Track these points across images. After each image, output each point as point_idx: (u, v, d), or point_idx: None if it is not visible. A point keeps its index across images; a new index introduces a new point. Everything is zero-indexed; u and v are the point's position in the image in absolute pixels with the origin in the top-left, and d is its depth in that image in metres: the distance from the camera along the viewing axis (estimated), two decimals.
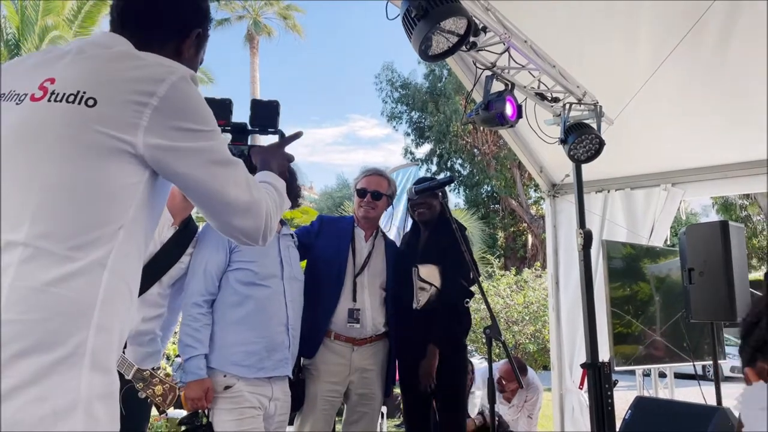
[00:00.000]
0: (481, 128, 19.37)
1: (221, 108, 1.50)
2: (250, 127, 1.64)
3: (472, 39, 2.42)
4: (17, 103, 1.09)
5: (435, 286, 2.95)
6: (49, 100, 1.07)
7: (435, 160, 21.54)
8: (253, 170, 1.42)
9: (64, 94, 1.07)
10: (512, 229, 21.73)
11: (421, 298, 2.89)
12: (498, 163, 19.87)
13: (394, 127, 22.32)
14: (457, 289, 2.99)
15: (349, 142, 62.95)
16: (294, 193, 2.48)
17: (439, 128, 20.35)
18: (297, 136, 1.62)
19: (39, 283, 0.99)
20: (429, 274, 2.94)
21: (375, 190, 3.03)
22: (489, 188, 21.32)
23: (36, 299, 0.98)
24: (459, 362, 3.10)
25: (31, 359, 0.95)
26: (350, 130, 63.31)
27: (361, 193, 3.04)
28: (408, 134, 22.12)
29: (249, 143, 1.62)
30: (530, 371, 5.05)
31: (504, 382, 4.57)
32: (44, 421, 0.95)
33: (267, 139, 1.65)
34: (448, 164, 21.63)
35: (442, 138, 20.61)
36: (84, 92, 1.07)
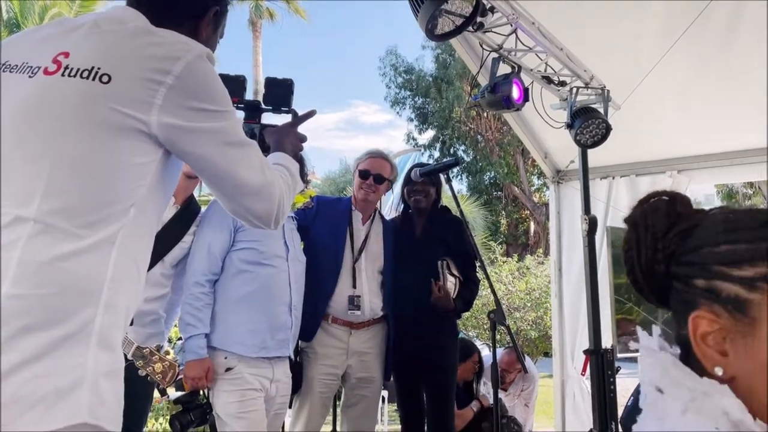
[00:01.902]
0: (485, 114, 19.29)
1: (235, 85, 1.48)
2: (263, 106, 1.61)
3: (479, 19, 2.38)
4: (30, 76, 1.07)
5: (460, 279, 2.96)
6: (62, 75, 1.05)
7: (438, 146, 21.45)
8: (265, 150, 1.40)
9: (78, 69, 1.05)
10: (515, 216, 21.70)
11: (450, 291, 2.91)
12: (501, 149, 19.79)
13: (398, 112, 22.22)
14: (476, 282, 3.07)
15: (351, 128, 62.78)
16: (303, 177, 2.46)
17: (442, 114, 20.25)
18: (310, 114, 1.60)
19: (48, 257, 0.97)
20: (453, 267, 2.97)
21: (378, 174, 2.99)
22: (492, 175, 21.25)
23: (44, 274, 0.97)
24: (451, 347, 3.10)
25: (37, 334, 0.94)
26: (352, 115, 63.09)
27: (364, 174, 2.99)
28: (411, 120, 22.02)
29: (261, 122, 1.60)
30: (527, 360, 5.04)
31: (503, 373, 4.56)
32: (47, 398, 0.93)
33: (280, 118, 1.62)
34: (451, 150, 21.55)
35: (445, 124, 20.52)
36: (98, 68, 1.04)
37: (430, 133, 21.79)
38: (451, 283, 2.94)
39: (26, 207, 0.98)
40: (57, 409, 0.94)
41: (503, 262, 11.95)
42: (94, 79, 1.03)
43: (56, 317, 0.96)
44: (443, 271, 2.90)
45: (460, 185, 21.64)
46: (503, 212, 21.78)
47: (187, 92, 1.08)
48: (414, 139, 21.78)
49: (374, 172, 2.98)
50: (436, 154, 21.29)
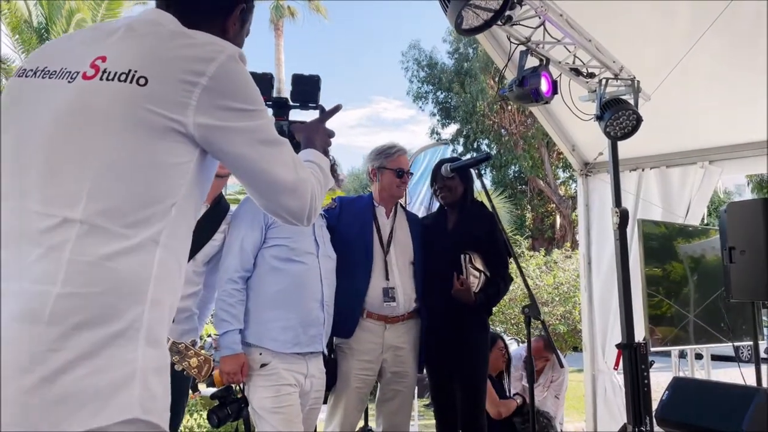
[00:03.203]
0: (509, 107, 19.14)
1: (263, 83, 1.50)
2: (291, 102, 1.63)
3: (507, 13, 2.37)
4: (69, 81, 1.09)
5: (486, 275, 2.96)
6: (101, 79, 1.07)
7: (461, 140, 21.34)
8: (295, 146, 1.41)
9: (116, 72, 1.06)
10: (540, 210, 21.51)
11: (472, 285, 2.92)
12: (525, 143, 19.61)
13: (420, 107, 22.16)
14: (505, 279, 3.07)
15: (372, 124, 62.77)
16: (335, 176, 2.50)
17: (465, 108, 20.13)
18: (337, 109, 1.61)
19: (96, 257, 1.00)
20: (478, 262, 2.98)
21: (409, 170, 3.12)
22: (516, 168, 21.09)
23: (94, 273, 0.99)
24: (481, 342, 3.11)
25: (89, 332, 0.97)
26: (373, 111, 63.02)
27: (400, 173, 3.04)
28: (434, 114, 21.94)
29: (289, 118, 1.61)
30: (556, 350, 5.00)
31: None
32: (102, 393, 0.96)
33: (307, 114, 1.64)
34: (475, 144, 21.43)
35: (468, 118, 20.39)
36: (135, 71, 1.06)
37: (453, 128, 21.70)
38: (474, 277, 2.94)
39: (73, 209, 1.01)
40: (111, 404, 0.96)
41: (530, 257, 11.86)
42: (131, 82, 1.05)
43: (107, 315, 0.99)
44: (465, 265, 2.93)
45: (485, 179, 21.48)
46: (528, 206, 21.60)
47: (221, 93, 1.10)
48: (437, 133, 21.71)
49: (407, 169, 3.10)
50: (460, 148, 21.19)
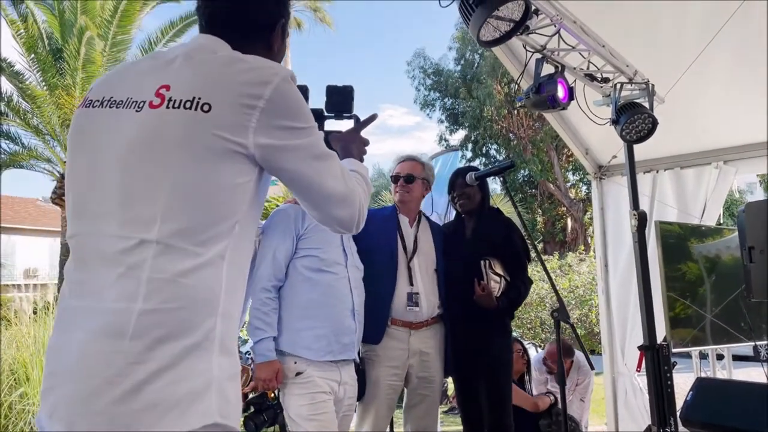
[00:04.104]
0: (516, 112, 19.16)
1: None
2: (326, 113, 1.68)
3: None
4: (137, 111, 1.15)
5: (506, 279, 3.00)
6: (167, 107, 1.13)
7: (470, 146, 21.38)
8: None
9: (181, 100, 1.13)
10: (551, 213, 21.48)
11: (493, 290, 2.95)
12: (534, 147, 19.63)
13: (428, 114, 22.25)
14: (524, 282, 3.09)
15: (380, 132, 62.80)
16: None
17: (473, 114, 20.19)
18: (372, 118, 1.67)
19: (171, 274, 1.07)
20: (498, 267, 3.01)
21: (408, 174, 3.11)
22: (526, 173, 21.09)
23: (171, 289, 1.07)
24: (504, 346, 3.13)
25: (170, 344, 1.04)
26: (380, 119, 62.73)
27: (395, 178, 3.15)
28: (442, 121, 22.01)
29: (325, 128, 1.66)
30: (578, 354, 5.01)
31: (550, 363, 4.55)
32: (183, 401, 1.03)
33: (342, 124, 1.68)
34: (483, 150, 21.47)
35: (476, 123, 20.45)
36: (199, 98, 1.12)
37: (461, 134, 21.76)
38: (495, 282, 2.98)
39: (149, 231, 1.08)
40: (192, 411, 1.03)
41: (544, 261, 11.89)
42: (196, 109, 1.11)
43: (185, 328, 1.06)
44: (486, 271, 2.97)
45: (495, 184, 21.52)
46: (539, 210, 21.59)
47: (277, 113, 1.16)
48: (446, 140, 21.78)
49: (404, 174, 3.12)
50: (468, 154, 21.22)
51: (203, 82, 1.15)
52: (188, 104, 1.12)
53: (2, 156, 12.07)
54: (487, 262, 2.98)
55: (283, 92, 1.17)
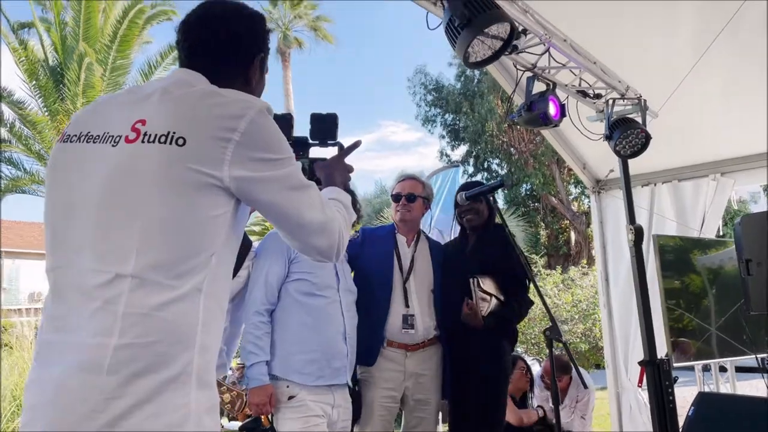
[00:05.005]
0: (517, 126, 19.20)
1: (283, 124, 1.55)
2: (310, 140, 1.69)
3: (512, 42, 2.43)
4: (113, 145, 1.17)
5: (497, 298, 2.96)
6: (143, 142, 1.14)
7: (471, 161, 21.42)
8: (315, 183, 1.47)
9: (156, 134, 1.14)
10: (554, 227, 21.44)
11: (482, 309, 2.89)
12: (536, 160, 19.64)
13: (429, 130, 22.31)
14: (520, 301, 3.03)
15: (381, 148, 62.97)
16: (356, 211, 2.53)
17: (474, 129, 20.25)
18: (356, 145, 1.68)
19: (147, 308, 1.07)
20: (488, 285, 2.96)
21: (409, 193, 3.11)
22: (528, 186, 21.09)
23: (147, 324, 1.07)
24: (497, 367, 3.04)
25: (146, 379, 1.04)
26: (382, 135, 63.25)
27: (396, 197, 3.15)
28: (443, 137, 22.07)
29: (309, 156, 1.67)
30: (581, 371, 4.96)
31: (546, 380, 4.52)
32: None
33: (327, 151, 1.70)
34: (485, 164, 21.50)
35: (477, 139, 20.50)
36: (174, 132, 1.13)
37: (462, 149, 21.80)
38: (483, 301, 2.92)
39: (124, 265, 1.08)
40: None
41: (546, 275, 11.83)
42: (171, 143, 1.13)
43: (161, 362, 1.06)
44: (474, 289, 2.92)
45: (498, 198, 21.44)
46: (542, 223, 21.54)
47: (253, 146, 1.17)
48: (447, 155, 21.81)
49: (405, 193, 3.12)
50: (470, 169, 21.25)
51: (178, 116, 1.16)
52: (163, 138, 1.13)
53: (4, 181, 12.15)
54: (476, 280, 2.92)
55: (258, 125, 1.18)
